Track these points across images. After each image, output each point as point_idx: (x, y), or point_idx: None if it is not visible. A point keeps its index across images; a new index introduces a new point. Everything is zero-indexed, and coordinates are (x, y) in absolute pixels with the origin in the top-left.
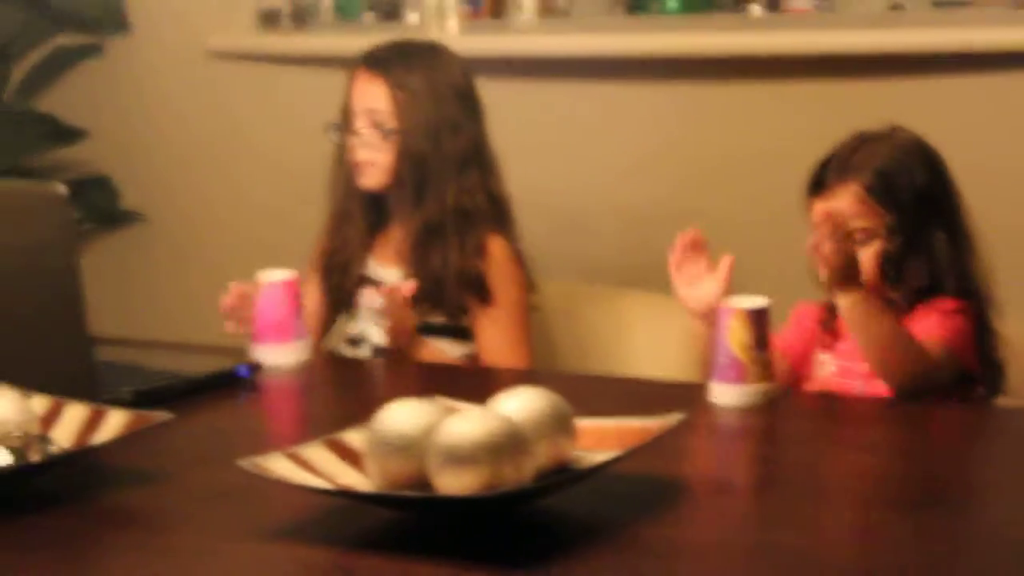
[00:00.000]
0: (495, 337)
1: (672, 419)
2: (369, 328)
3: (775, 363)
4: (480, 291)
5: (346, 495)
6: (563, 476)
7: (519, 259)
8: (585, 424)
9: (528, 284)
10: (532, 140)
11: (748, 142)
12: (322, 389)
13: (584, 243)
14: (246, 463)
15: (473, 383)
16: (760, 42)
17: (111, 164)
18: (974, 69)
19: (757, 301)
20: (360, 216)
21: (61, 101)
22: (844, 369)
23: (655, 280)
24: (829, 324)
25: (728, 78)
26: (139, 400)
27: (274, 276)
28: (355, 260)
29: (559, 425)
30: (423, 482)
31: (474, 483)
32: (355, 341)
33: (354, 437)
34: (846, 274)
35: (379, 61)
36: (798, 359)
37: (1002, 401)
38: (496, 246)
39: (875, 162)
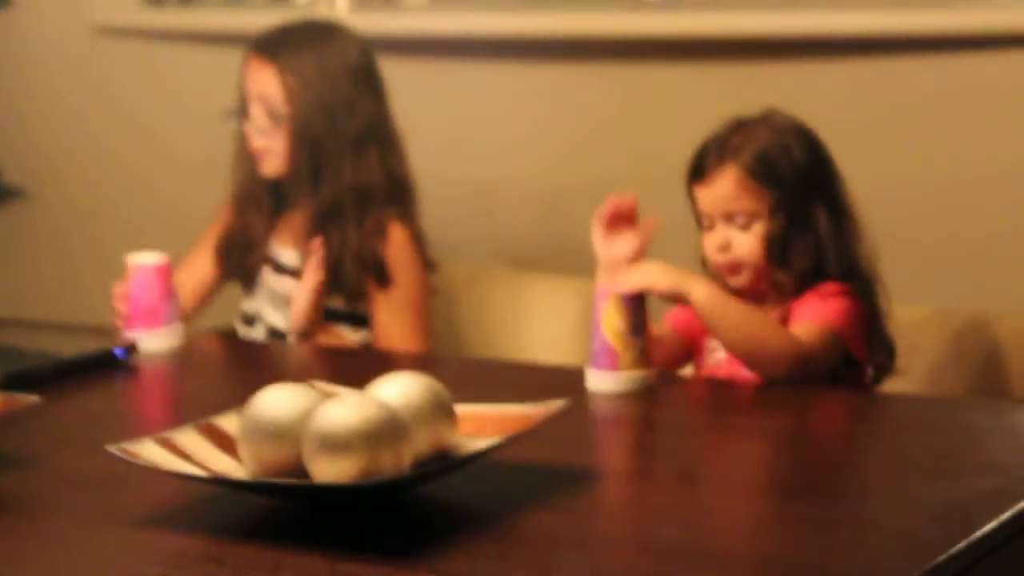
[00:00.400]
0: (391, 322)
1: (554, 406)
2: (265, 308)
3: (662, 346)
4: (378, 273)
5: (218, 482)
6: (441, 464)
7: (419, 242)
8: (465, 410)
9: (428, 266)
10: (431, 120)
11: (646, 124)
12: (203, 371)
13: (490, 223)
14: (115, 449)
15: (362, 368)
16: (654, 24)
17: None
18: (864, 54)
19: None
20: (263, 199)
21: None
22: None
23: (562, 260)
24: None
25: (624, 59)
26: (10, 383)
27: (144, 260)
28: (258, 241)
29: (438, 411)
30: (299, 469)
31: (350, 470)
32: (250, 319)
33: (228, 422)
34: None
35: (268, 46)
36: (694, 337)
37: (893, 382)
38: (395, 229)
39: (753, 144)
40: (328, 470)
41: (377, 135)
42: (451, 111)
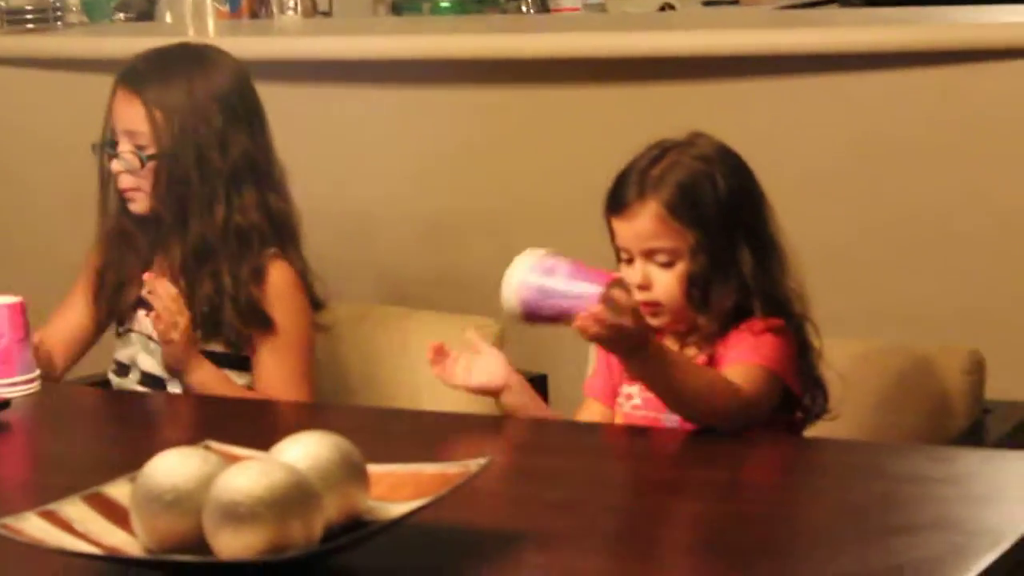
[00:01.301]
0: (274, 369)
1: (473, 465)
2: (139, 354)
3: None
4: (258, 320)
5: (110, 559)
6: (355, 535)
7: (302, 283)
8: (377, 471)
9: (316, 304)
10: (307, 146)
11: (536, 148)
12: (80, 427)
13: (372, 253)
14: None
15: (252, 421)
16: (537, 44)
17: None
18: (748, 72)
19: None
20: (135, 236)
21: None
22: (649, 401)
23: (448, 288)
24: None
25: (506, 81)
26: None
27: None
28: (130, 281)
29: (350, 474)
30: (199, 542)
31: (257, 544)
32: (123, 367)
33: (119, 491)
34: (635, 343)
35: (135, 78)
36: (612, 399)
37: (825, 426)
38: (276, 270)
39: (675, 176)
40: (232, 543)
41: (254, 172)
42: (325, 136)
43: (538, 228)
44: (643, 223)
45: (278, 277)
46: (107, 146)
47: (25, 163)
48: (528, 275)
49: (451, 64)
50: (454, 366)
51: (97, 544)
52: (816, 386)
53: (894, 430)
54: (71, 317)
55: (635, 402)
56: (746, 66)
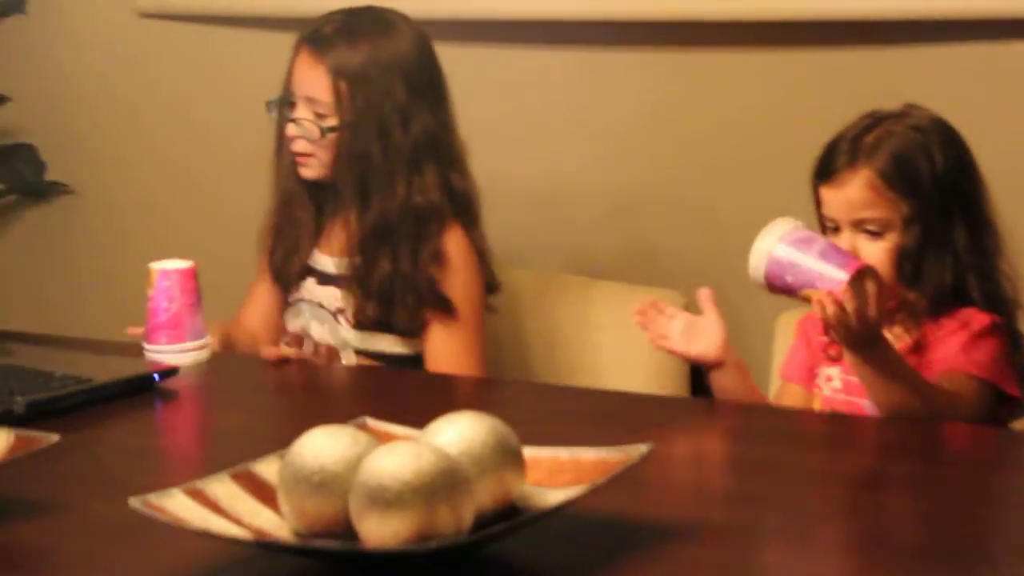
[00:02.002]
0: (443, 343)
1: (635, 452)
2: (311, 323)
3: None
4: (435, 300)
5: (254, 544)
6: (508, 523)
7: (478, 262)
8: (534, 455)
9: (489, 286)
10: (501, 114)
11: (747, 119)
12: (249, 397)
13: (556, 227)
14: (138, 503)
15: (418, 394)
16: (732, 6)
17: (35, 132)
18: (956, 36)
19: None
20: (307, 199)
21: None
22: (851, 385)
23: (636, 270)
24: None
25: (725, 44)
26: (33, 413)
27: (168, 265)
28: (297, 248)
29: (504, 458)
30: (347, 525)
31: (404, 530)
32: (296, 339)
33: (267, 469)
34: (868, 337)
35: (320, 41)
36: (811, 381)
37: None
38: (453, 246)
39: (890, 145)
40: (379, 529)
41: (436, 150)
42: (508, 101)
43: (730, 202)
44: (854, 191)
45: (456, 255)
46: (285, 105)
47: (209, 124)
48: (778, 245)
49: (640, 27)
50: (668, 327)
51: (242, 524)
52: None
53: None
54: (261, 293)
55: (835, 384)
56: (955, 30)
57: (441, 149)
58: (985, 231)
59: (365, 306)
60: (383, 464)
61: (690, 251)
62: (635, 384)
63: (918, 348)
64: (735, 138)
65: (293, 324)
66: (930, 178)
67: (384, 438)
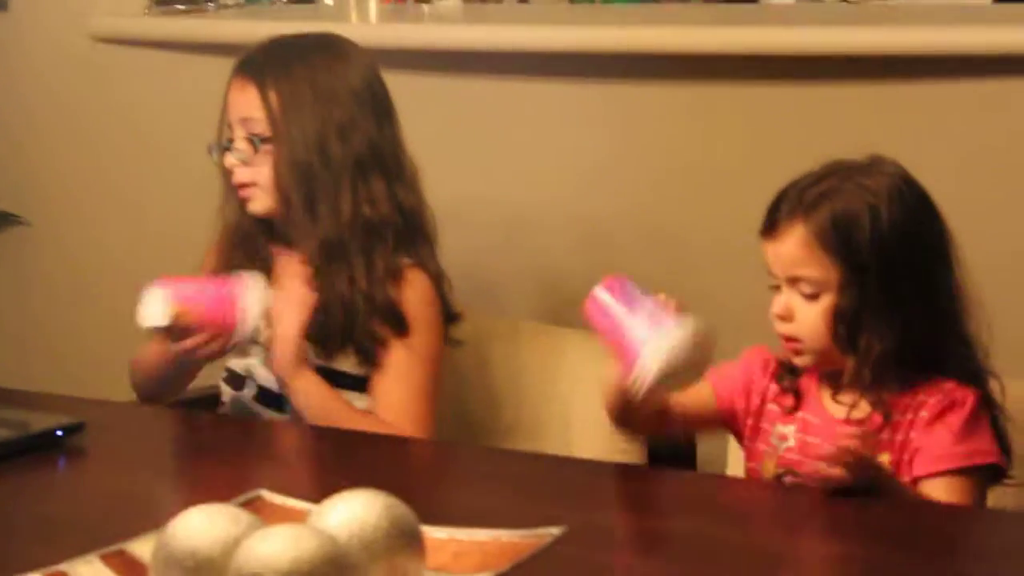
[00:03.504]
0: (395, 381)
1: (545, 535)
2: (258, 368)
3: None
4: (394, 320)
5: None
6: None
7: (437, 295)
8: (439, 537)
9: (449, 316)
10: (463, 143)
11: (716, 150)
12: (155, 459)
13: (525, 261)
14: None
15: (344, 455)
16: (697, 39)
17: None
18: (956, 73)
19: None
20: (255, 242)
21: None
22: (805, 445)
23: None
24: (789, 384)
25: (696, 77)
26: None
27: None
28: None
29: (400, 541)
30: None
31: None
32: (237, 378)
33: (142, 548)
34: (873, 478)
35: (252, 65)
36: (728, 403)
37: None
38: (412, 280)
39: (832, 203)
40: None
41: (380, 162)
42: (480, 130)
43: (710, 238)
44: (788, 247)
45: (413, 287)
46: (225, 148)
47: (165, 152)
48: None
49: (612, 58)
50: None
51: None
52: (1005, 452)
53: None
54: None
55: (790, 443)
56: (954, 66)
57: (387, 162)
58: (945, 298)
59: (325, 324)
60: (259, 550)
61: (661, 281)
62: (602, 446)
63: (888, 419)
64: (706, 169)
65: (236, 363)
66: (871, 242)
67: (274, 516)
